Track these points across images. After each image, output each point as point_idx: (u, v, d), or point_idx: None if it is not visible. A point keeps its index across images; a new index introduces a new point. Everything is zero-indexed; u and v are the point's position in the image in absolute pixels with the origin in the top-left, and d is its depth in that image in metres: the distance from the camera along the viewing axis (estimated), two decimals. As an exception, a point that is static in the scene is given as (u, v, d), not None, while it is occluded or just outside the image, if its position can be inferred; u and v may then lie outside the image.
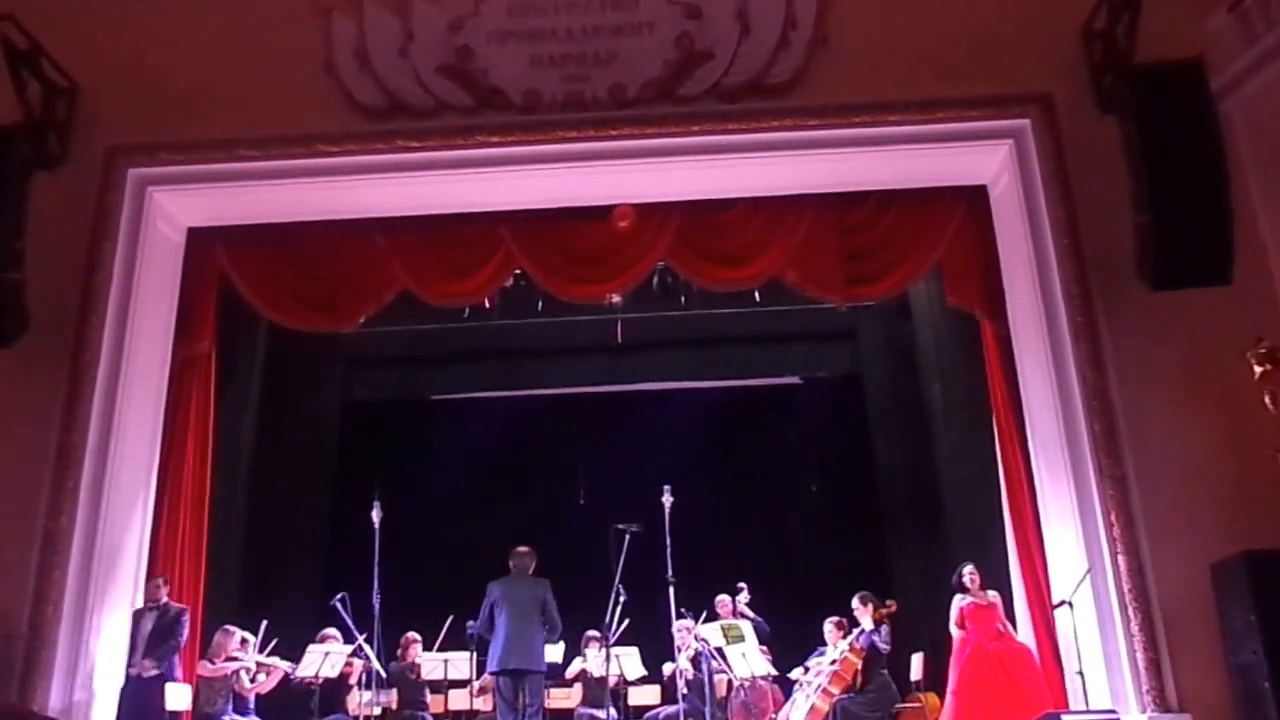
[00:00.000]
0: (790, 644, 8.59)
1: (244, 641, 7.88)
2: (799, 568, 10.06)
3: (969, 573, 7.66)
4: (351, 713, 8.15)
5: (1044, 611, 7.42)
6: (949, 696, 7.48)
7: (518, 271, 8.57)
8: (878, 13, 7.67)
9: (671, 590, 7.47)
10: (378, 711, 8.09)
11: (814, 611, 8.49)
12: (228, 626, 7.93)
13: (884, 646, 7.96)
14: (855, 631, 8.02)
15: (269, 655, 7.93)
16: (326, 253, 8.41)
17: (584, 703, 8.68)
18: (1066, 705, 6.91)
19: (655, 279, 9.11)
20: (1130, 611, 6.45)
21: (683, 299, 9.59)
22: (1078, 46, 7.44)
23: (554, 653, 8.14)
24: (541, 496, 10.88)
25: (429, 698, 8.54)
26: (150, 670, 7.02)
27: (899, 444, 10.30)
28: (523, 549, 7.59)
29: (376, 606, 7.68)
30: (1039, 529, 7.40)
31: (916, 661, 8.54)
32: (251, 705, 7.84)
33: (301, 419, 10.52)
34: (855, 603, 8.09)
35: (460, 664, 8.18)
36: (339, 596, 7.80)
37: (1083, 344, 6.97)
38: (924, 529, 9.75)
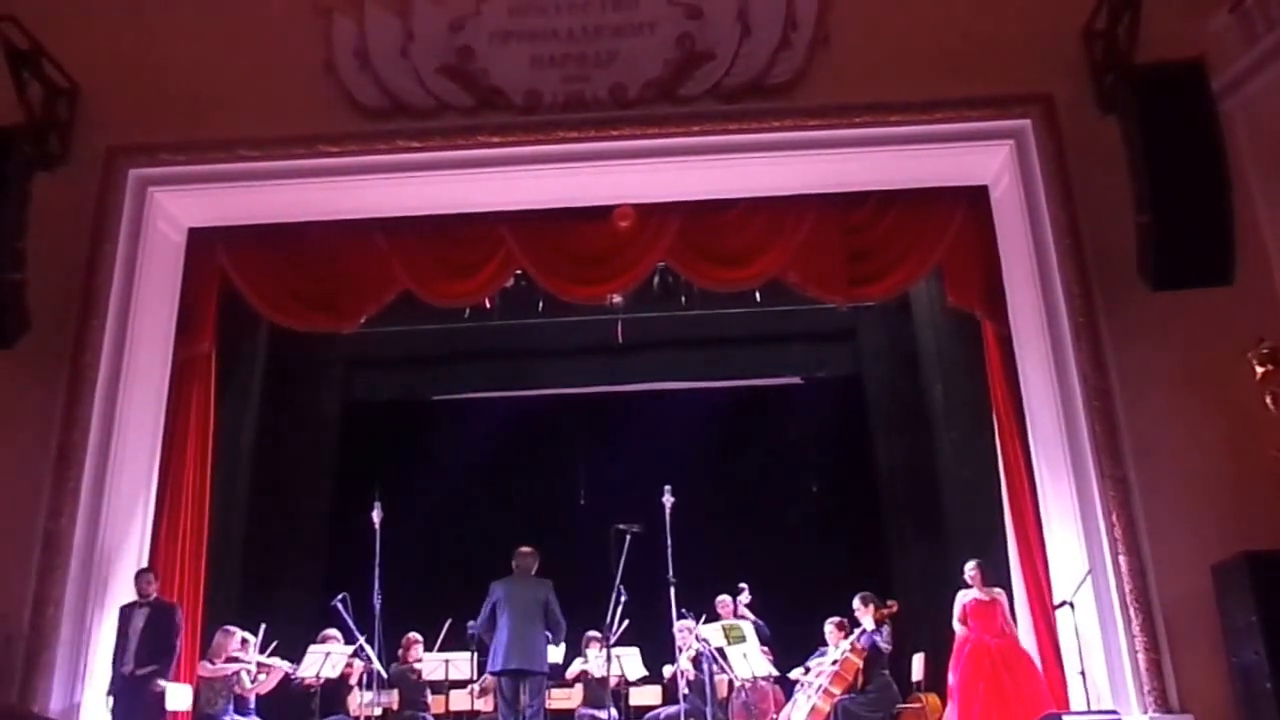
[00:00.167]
0: (791, 644, 8.59)
1: (244, 642, 7.87)
2: (800, 568, 10.04)
3: (971, 569, 7.66)
4: (352, 713, 8.15)
5: (1045, 612, 7.42)
6: (951, 693, 7.48)
7: (518, 272, 8.57)
8: (878, 13, 7.68)
9: (672, 590, 7.47)
10: (378, 712, 8.09)
11: (815, 612, 8.49)
12: (228, 627, 7.92)
13: (885, 647, 7.96)
14: (856, 632, 8.02)
15: (269, 656, 7.93)
16: (327, 253, 8.41)
17: (585, 703, 8.67)
18: (1068, 706, 6.91)
19: (656, 279, 9.12)
20: (1131, 612, 6.46)
21: (683, 299, 9.59)
22: (1079, 47, 7.45)
23: (555, 653, 8.13)
24: (542, 497, 10.88)
25: (430, 698, 8.53)
26: (144, 669, 6.90)
27: (900, 444, 10.30)
28: (526, 549, 7.58)
29: (377, 607, 7.68)
30: (1040, 529, 7.40)
31: (918, 662, 8.54)
32: (252, 706, 7.83)
33: (302, 419, 10.53)
34: (856, 603, 8.08)
35: (461, 665, 8.18)
36: (340, 597, 7.79)
37: (1084, 344, 6.97)
38: (925, 529, 9.75)
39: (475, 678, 8.15)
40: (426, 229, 8.30)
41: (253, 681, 7.82)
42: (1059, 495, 7.11)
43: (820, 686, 7.88)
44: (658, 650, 8.48)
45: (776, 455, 11.16)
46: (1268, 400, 6.37)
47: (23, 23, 7.06)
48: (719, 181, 8.00)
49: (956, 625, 7.62)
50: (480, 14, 7.85)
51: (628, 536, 7.35)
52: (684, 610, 7.81)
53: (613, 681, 8.32)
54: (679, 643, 8.03)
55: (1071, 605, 6.82)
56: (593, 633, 8.54)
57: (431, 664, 8.41)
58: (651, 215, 8.18)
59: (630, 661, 8.40)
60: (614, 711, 8.34)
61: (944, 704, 7.73)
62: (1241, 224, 6.42)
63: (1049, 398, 7.16)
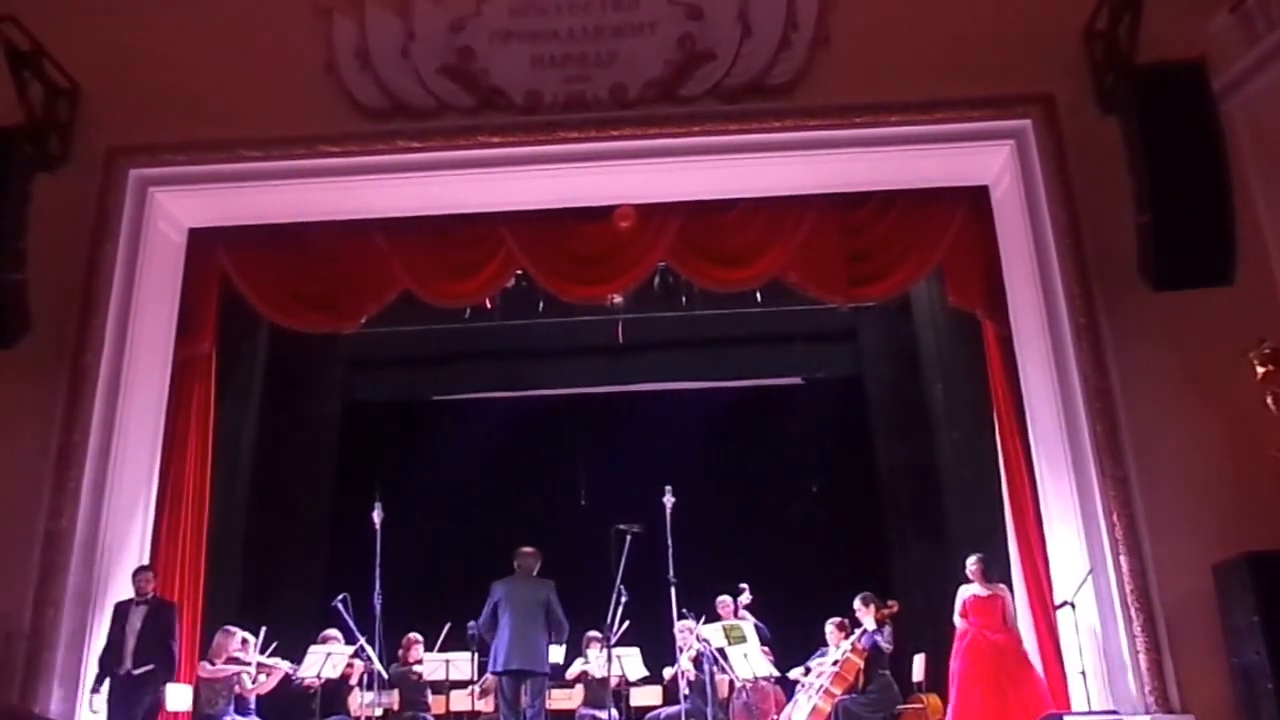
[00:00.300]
0: (792, 644, 8.59)
1: (245, 642, 7.87)
2: (800, 568, 10.05)
3: (972, 563, 7.66)
4: (353, 714, 8.14)
5: (1046, 612, 7.42)
6: (951, 687, 7.48)
7: (519, 272, 8.57)
8: (879, 13, 7.67)
9: (673, 591, 7.46)
10: (379, 713, 8.09)
11: (815, 612, 8.49)
12: (228, 627, 7.91)
13: (886, 647, 7.95)
14: (857, 632, 8.01)
15: (269, 656, 7.92)
16: (327, 253, 8.41)
17: (585, 703, 8.68)
18: (1069, 706, 6.90)
19: (656, 279, 9.12)
20: (1132, 612, 6.45)
21: (684, 299, 9.60)
22: (1079, 47, 7.45)
23: (555, 653, 8.13)
24: (542, 497, 10.88)
25: (430, 699, 8.53)
26: (141, 668, 6.83)
27: (900, 444, 10.30)
28: (528, 549, 7.58)
29: (378, 607, 7.67)
30: (1041, 529, 7.40)
31: (918, 662, 8.54)
32: (252, 706, 7.83)
33: (302, 419, 10.52)
34: (857, 603, 8.08)
35: (462, 665, 8.18)
36: (340, 597, 7.79)
37: (1084, 344, 6.97)
38: (925, 529, 9.75)
39: (475, 678, 8.14)
40: (427, 229, 8.29)
41: (253, 682, 7.82)
42: (1060, 495, 7.10)
43: (821, 687, 7.88)
44: (658, 651, 8.49)
45: (777, 455, 11.16)
46: (1268, 400, 6.36)
47: (23, 23, 7.06)
48: (719, 182, 8.00)
49: (957, 620, 7.62)
50: (481, 14, 7.85)
51: (628, 537, 7.34)
52: (685, 610, 7.81)
53: (613, 682, 8.31)
54: (680, 643, 8.03)
55: (1072, 605, 6.82)
56: (593, 633, 8.55)
57: (432, 664, 8.41)
58: (652, 215, 8.18)
59: (631, 662, 8.40)
60: (615, 712, 8.33)
61: (945, 704, 7.72)
62: (1242, 224, 6.42)
63: (1049, 397, 7.16)
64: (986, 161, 7.79)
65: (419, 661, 8.52)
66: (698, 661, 8.17)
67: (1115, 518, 6.62)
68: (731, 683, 8.24)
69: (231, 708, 7.64)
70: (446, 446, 11.02)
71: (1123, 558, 6.54)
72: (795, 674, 8.27)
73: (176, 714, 7.44)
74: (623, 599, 7.42)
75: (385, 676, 8.02)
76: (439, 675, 8.36)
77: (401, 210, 8.15)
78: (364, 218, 8.20)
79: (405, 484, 9.91)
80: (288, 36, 7.86)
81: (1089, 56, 7.40)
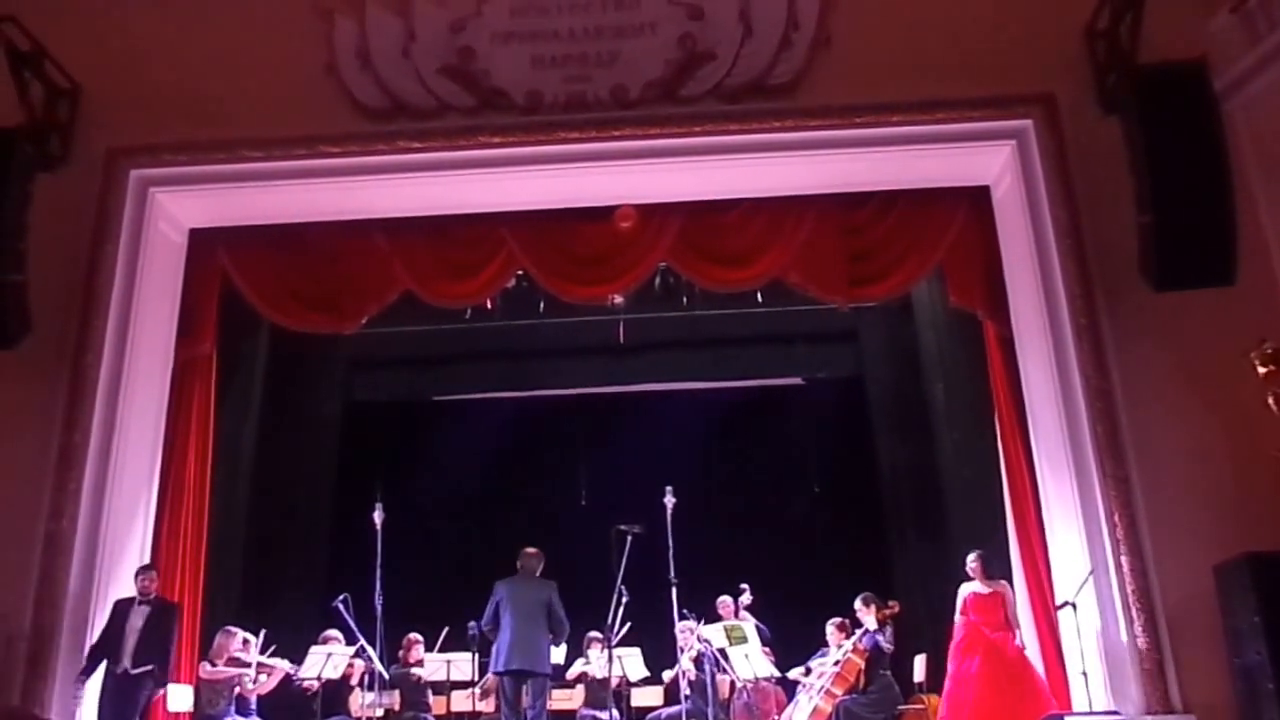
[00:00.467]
0: (793, 645, 8.59)
1: (245, 642, 7.86)
2: (801, 568, 10.05)
3: (972, 560, 7.66)
4: (353, 714, 8.15)
5: (1047, 612, 7.41)
6: (947, 682, 7.47)
7: (520, 272, 8.57)
8: (880, 13, 7.67)
9: (674, 591, 7.46)
10: (379, 713, 8.10)
11: (816, 612, 8.50)
12: (229, 627, 7.92)
13: (887, 647, 7.95)
14: (858, 632, 8.01)
15: (270, 657, 7.92)
16: (328, 253, 8.41)
17: (586, 704, 8.68)
18: (1070, 706, 6.90)
19: (657, 280, 9.12)
20: (1133, 613, 6.45)
21: (685, 300, 9.59)
22: (1080, 47, 7.44)
23: (556, 654, 8.13)
24: (543, 497, 10.88)
25: (431, 699, 8.53)
26: (140, 668, 6.75)
27: (901, 445, 10.30)
28: (531, 550, 7.58)
29: (378, 608, 7.67)
30: (1042, 530, 7.39)
31: (919, 663, 8.54)
32: (253, 706, 7.83)
33: (303, 420, 10.52)
34: (858, 604, 8.08)
35: (462, 665, 8.17)
36: (341, 598, 7.78)
37: (1085, 345, 6.96)
38: (926, 530, 9.75)
39: (476, 679, 8.14)
40: (428, 229, 8.29)
41: (254, 683, 7.82)
42: (1061, 496, 7.10)
43: (822, 687, 7.88)
44: (659, 651, 8.49)
45: (778, 456, 11.16)
46: (1270, 401, 6.35)
47: (24, 23, 7.06)
48: (720, 182, 7.99)
49: (958, 617, 7.61)
50: (481, 14, 7.85)
51: (629, 537, 7.33)
52: (685, 611, 7.80)
53: (614, 682, 8.31)
54: (680, 643, 8.03)
55: (1073, 606, 6.81)
56: (594, 633, 8.55)
57: (433, 665, 8.41)
58: (653, 216, 8.18)
59: (632, 662, 8.40)
60: (615, 712, 8.33)
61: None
62: (1243, 224, 6.42)
63: (1050, 398, 7.16)
64: (987, 162, 7.78)
65: (420, 662, 8.53)
66: (698, 662, 8.18)
67: (1116, 518, 6.61)
68: (732, 683, 8.24)
69: (232, 708, 7.64)
70: (447, 447, 11.02)
71: (1124, 558, 6.54)
72: (796, 674, 8.28)
73: (178, 714, 7.44)
74: (623, 599, 7.41)
75: (386, 677, 8.01)
76: (440, 676, 8.36)
77: (402, 210, 8.15)
78: (364, 218, 8.19)
79: (406, 484, 9.92)
80: (288, 37, 7.85)
81: (1090, 56, 7.40)
